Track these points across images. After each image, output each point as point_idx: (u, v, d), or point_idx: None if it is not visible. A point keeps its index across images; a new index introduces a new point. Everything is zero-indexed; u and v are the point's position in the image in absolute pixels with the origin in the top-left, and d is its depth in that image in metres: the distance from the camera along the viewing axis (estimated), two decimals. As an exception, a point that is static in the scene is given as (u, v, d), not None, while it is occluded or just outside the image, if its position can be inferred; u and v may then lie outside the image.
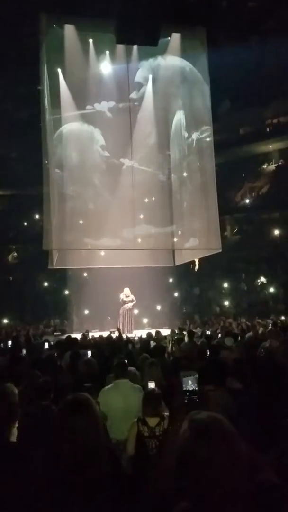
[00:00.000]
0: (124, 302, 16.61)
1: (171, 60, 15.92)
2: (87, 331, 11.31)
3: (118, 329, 13.87)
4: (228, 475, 1.15)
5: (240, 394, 3.73)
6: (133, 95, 15.94)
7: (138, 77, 16.06)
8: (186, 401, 2.11)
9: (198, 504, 1.18)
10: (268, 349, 6.32)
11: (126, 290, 16.73)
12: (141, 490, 1.93)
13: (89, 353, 6.00)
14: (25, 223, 26.33)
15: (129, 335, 13.51)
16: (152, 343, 8.60)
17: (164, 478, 1.71)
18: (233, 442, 1.20)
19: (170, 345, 9.10)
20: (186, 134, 16.34)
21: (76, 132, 15.73)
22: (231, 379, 4.06)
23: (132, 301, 16.64)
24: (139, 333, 13.75)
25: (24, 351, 6.87)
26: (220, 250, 15.36)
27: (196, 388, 2.14)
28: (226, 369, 4.22)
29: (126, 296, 16.64)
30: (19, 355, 6.30)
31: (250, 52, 17.79)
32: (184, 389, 2.13)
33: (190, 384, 2.14)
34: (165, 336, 10.86)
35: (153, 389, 3.43)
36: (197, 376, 2.19)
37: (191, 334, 9.40)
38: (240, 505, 1.16)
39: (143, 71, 16.04)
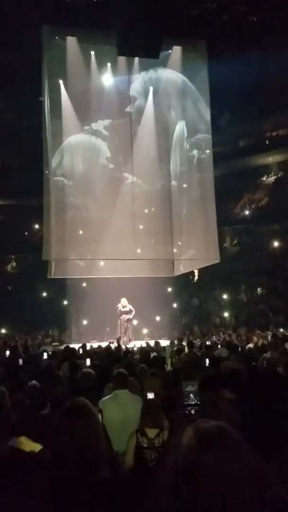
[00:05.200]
0: (122, 313, 16.50)
1: (172, 73, 16.04)
2: (84, 345, 11.25)
3: (118, 340, 13.74)
4: (235, 486, 1.10)
5: (235, 405, 3.68)
6: (134, 107, 16.04)
7: (139, 89, 16.16)
8: (187, 412, 2.05)
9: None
10: (270, 361, 6.27)
11: (123, 301, 16.62)
12: (140, 501, 1.89)
13: (88, 362, 5.94)
14: (25, 233, 26.33)
15: (128, 346, 13.38)
16: (152, 354, 8.55)
17: (163, 490, 1.66)
18: (241, 452, 1.16)
19: (170, 356, 9.04)
20: (187, 146, 16.43)
21: (77, 143, 15.79)
22: (225, 389, 4.02)
23: (130, 311, 16.52)
24: (138, 344, 13.64)
25: (21, 361, 6.81)
26: (218, 261, 15.33)
27: (197, 399, 2.08)
28: (223, 379, 4.18)
29: (123, 307, 16.53)
30: (16, 364, 6.25)
31: (250, 64, 17.97)
32: (185, 399, 2.07)
33: (191, 394, 2.08)
34: (164, 347, 10.80)
35: (152, 399, 3.33)
36: (198, 386, 2.13)
37: (191, 345, 9.35)
38: None
39: (144, 83, 16.15)
